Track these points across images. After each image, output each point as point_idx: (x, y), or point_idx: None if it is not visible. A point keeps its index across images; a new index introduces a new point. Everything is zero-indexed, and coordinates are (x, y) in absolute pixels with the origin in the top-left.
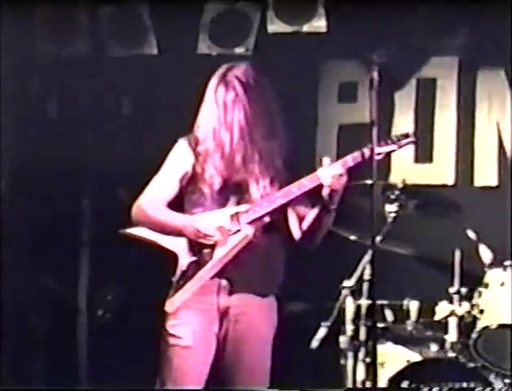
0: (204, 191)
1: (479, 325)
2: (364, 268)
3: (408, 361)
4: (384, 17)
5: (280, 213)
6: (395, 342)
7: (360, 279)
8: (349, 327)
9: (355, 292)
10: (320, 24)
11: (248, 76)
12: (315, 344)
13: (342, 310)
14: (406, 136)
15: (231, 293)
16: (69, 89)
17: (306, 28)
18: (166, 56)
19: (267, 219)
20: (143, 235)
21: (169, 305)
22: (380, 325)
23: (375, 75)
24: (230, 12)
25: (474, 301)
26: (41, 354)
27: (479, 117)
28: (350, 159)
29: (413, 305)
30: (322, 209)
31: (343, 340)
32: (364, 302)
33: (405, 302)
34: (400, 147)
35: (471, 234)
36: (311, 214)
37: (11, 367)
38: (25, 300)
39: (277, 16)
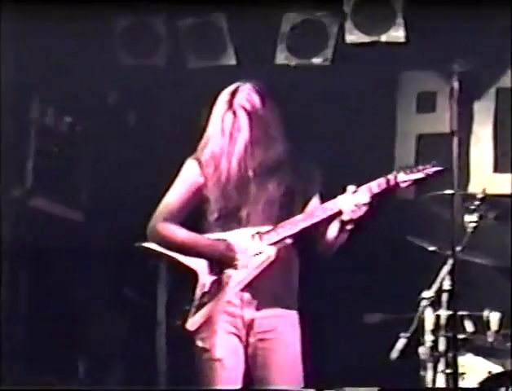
0: (221, 211)
1: None
2: (444, 278)
3: (489, 372)
4: (463, 27)
5: (300, 234)
6: (476, 353)
7: (440, 290)
8: (428, 338)
9: (435, 303)
10: (398, 33)
11: (251, 102)
12: (394, 355)
13: (422, 321)
14: (433, 165)
15: (256, 309)
16: (148, 100)
17: (384, 38)
18: (244, 67)
19: (288, 241)
20: (161, 249)
21: (191, 324)
22: (460, 336)
23: (455, 85)
24: (308, 22)
25: None
26: (120, 364)
27: None
28: (375, 186)
29: (494, 316)
30: (340, 229)
31: (423, 351)
32: (444, 313)
33: (485, 313)
34: (427, 175)
35: None
36: (331, 231)
37: (89, 375)
38: (104, 310)
39: (355, 26)
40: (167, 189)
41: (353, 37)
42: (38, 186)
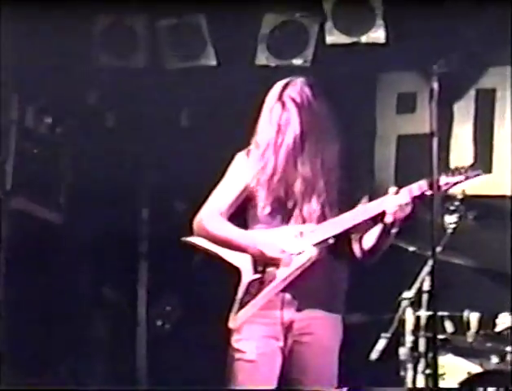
0: (264, 207)
1: None
2: (424, 279)
3: (468, 373)
4: (443, 28)
5: (343, 235)
6: (455, 354)
7: (420, 290)
8: (409, 339)
9: (415, 304)
10: (378, 34)
11: (302, 96)
12: (374, 355)
13: (402, 322)
14: (474, 168)
15: (297, 310)
16: (128, 101)
17: (364, 39)
18: (224, 68)
19: (331, 241)
20: (206, 245)
21: (233, 322)
22: (440, 336)
23: (435, 85)
24: (288, 23)
25: None
26: (100, 364)
27: None
28: (416, 188)
29: (474, 317)
30: (383, 232)
31: (403, 352)
32: (424, 313)
33: (465, 313)
34: (467, 178)
35: None
36: (372, 236)
37: (70, 375)
38: (85, 311)
39: (336, 27)
40: (217, 182)
41: (333, 38)
42: (18, 187)
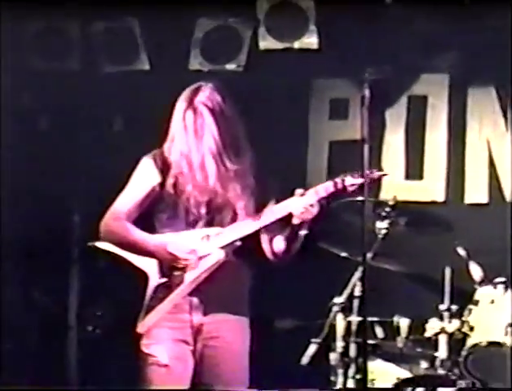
0: (174, 211)
1: (469, 342)
2: (355, 285)
3: (398, 378)
4: (375, 35)
5: (251, 237)
6: (385, 359)
7: (351, 296)
8: (339, 344)
9: (346, 309)
10: (311, 40)
11: (213, 101)
12: (305, 360)
13: (333, 327)
14: (378, 169)
15: (205, 314)
16: (60, 104)
17: (297, 44)
18: (158, 72)
19: (238, 243)
20: (112, 249)
21: (141, 327)
22: (370, 342)
23: (366, 92)
24: (222, 28)
25: (464, 319)
26: (31, 368)
27: (470, 135)
28: (322, 189)
29: (403, 322)
30: (291, 234)
31: (333, 357)
32: (355, 319)
33: (395, 319)
34: (372, 180)
35: (461, 251)
36: (281, 238)
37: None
38: (15, 316)
39: (269, 33)
40: (123, 187)
41: (266, 43)
42: None
